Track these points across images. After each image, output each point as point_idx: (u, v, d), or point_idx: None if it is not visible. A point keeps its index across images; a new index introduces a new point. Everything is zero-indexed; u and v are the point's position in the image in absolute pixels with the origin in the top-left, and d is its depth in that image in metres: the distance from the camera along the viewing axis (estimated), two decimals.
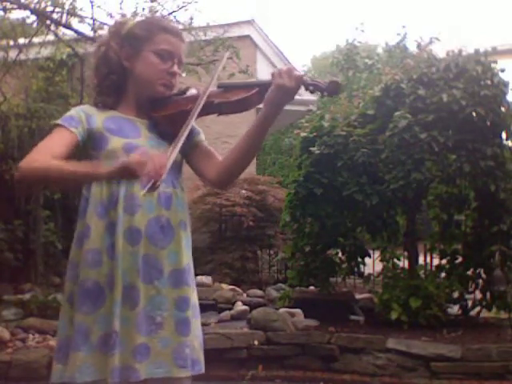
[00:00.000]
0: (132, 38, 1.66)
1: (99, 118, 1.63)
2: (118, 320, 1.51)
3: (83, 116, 1.61)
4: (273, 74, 1.54)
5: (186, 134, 1.54)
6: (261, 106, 1.60)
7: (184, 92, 1.70)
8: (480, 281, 4.89)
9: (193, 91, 1.70)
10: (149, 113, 1.67)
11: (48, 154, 1.51)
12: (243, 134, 1.62)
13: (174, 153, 1.49)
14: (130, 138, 1.62)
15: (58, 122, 1.59)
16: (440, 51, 5.26)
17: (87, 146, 1.62)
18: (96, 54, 1.70)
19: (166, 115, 1.64)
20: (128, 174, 1.41)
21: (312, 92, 1.57)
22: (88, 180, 1.55)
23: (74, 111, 1.63)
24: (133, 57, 1.65)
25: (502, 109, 4.69)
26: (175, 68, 1.66)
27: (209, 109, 1.63)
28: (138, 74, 1.66)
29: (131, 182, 1.54)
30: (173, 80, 1.67)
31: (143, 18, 1.76)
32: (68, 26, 5.93)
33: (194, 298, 1.66)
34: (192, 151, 1.71)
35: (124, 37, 1.67)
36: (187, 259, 1.65)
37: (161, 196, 1.59)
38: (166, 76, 1.65)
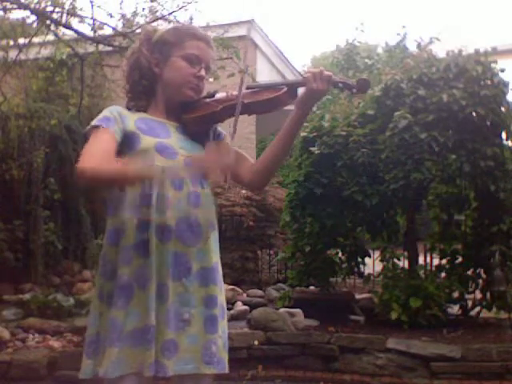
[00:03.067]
0: (162, 45, 1.71)
1: (131, 118, 1.67)
2: (154, 315, 1.54)
3: (117, 116, 1.64)
4: (306, 78, 1.60)
5: (237, 119, 1.62)
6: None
7: (213, 95, 1.74)
8: (480, 281, 4.89)
9: (222, 94, 1.74)
10: (179, 116, 1.72)
11: (105, 157, 1.53)
12: (277, 136, 1.69)
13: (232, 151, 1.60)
14: (162, 138, 1.65)
15: (96, 123, 1.61)
16: (440, 51, 5.26)
17: (122, 146, 1.64)
18: (128, 61, 1.76)
19: (196, 117, 1.69)
20: (204, 172, 1.55)
21: (342, 90, 1.63)
22: (155, 179, 1.58)
23: (107, 112, 1.65)
24: (162, 62, 1.71)
25: (502, 109, 4.69)
26: (203, 72, 1.71)
27: (240, 109, 1.66)
28: (167, 79, 1.71)
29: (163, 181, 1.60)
30: (200, 84, 1.72)
31: (174, 25, 1.83)
32: (68, 26, 5.93)
33: (222, 298, 1.68)
34: None
35: (154, 43, 1.72)
36: (216, 258, 1.69)
37: (190, 195, 1.63)
38: (193, 80, 1.70)
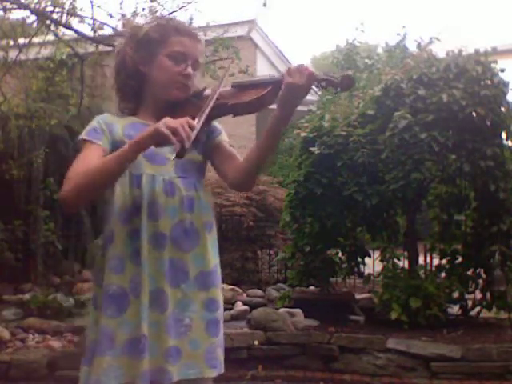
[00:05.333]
0: (147, 42, 1.65)
1: (120, 126, 1.64)
2: (147, 324, 1.52)
3: (104, 126, 1.61)
4: (284, 73, 1.52)
5: (204, 118, 1.53)
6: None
7: (201, 93, 1.68)
8: (480, 281, 4.89)
9: (209, 91, 1.68)
10: (168, 117, 1.66)
11: (82, 169, 1.50)
12: (262, 135, 1.60)
13: (198, 125, 1.48)
14: None
15: (84, 137, 1.59)
16: (440, 51, 5.26)
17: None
18: (115, 60, 1.71)
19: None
20: (161, 138, 1.39)
21: (325, 88, 1.55)
22: (128, 157, 1.47)
23: (95, 122, 1.63)
24: (148, 61, 1.65)
25: (502, 109, 4.69)
26: (189, 70, 1.64)
27: (223, 110, 1.62)
28: (154, 79, 1.65)
29: (153, 184, 1.56)
30: (188, 82, 1.65)
31: (159, 20, 1.73)
32: (68, 26, 5.93)
33: (221, 299, 1.67)
34: (214, 152, 1.71)
35: (139, 41, 1.66)
36: (215, 261, 1.66)
37: (184, 200, 1.60)
38: (180, 79, 1.64)
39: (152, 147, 1.47)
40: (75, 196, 1.49)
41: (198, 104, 1.62)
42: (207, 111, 1.55)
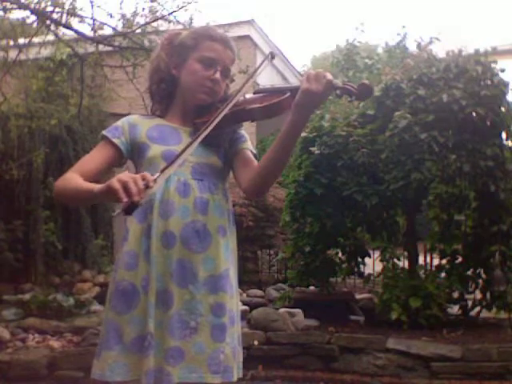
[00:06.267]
0: (180, 48, 1.71)
1: (144, 128, 1.69)
2: (153, 322, 1.53)
3: (126, 126, 1.69)
4: (301, 79, 1.51)
5: (199, 139, 1.53)
6: None
7: (227, 98, 1.69)
8: (480, 281, 4.89)
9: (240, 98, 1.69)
10: (193, 120, 1.69)
11: (78, 170, 1.61)
12: (275, 140, 1.57)
13: (179, 159, 1.47)
14: (170, 146, 1.65)
15: (104, 132, 1.68)
16: (440, 51, 5.27)
17: (133, 155, 1.69)
18: (150, 65, 1.77)
19: (206, 122, 1.63)
20: (111, 193, 1.36)
21: (340, 96, 1.54)
22: (93, 200, 1.62)
23: (120, 122, 1.71)
24: (180, 65, 1.70)
25: (502, 109, 4.69)
26: (217, 75, 1.67)
27: (241, 115, 1.64)
28: (183, 82, 1.70)
29: (166, 186, 1.59)
30: (215, 87, 1.68)
31: (196, 27, 1.76)
32: (68, 26, 5.93)
33: (231, 305, 1.64)
34: (235, 158, 1.71)
35: (174, 47, 1.72)
36: (226, 265, 1.63)
37: (197, 201, 1.60)
38: (207, 83, 1.67)
39: (171, 146, 1.62)
40: (59, 196, 1.63)
41: (220, 109, 1.63)
42: (219, 118, 1.56)
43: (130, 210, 1.34)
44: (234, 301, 1.66)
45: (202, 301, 1.58)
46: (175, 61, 1.71)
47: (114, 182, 1.35)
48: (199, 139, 1.53)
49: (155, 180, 1.38)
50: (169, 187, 1.58)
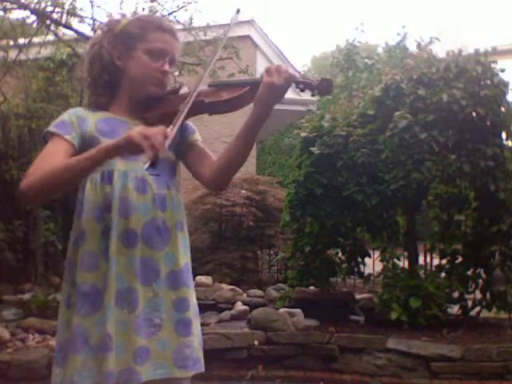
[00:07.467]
0: (125, 37, 1.62)
1: (92, 120, 1.60)
2: (112, 323, 1.49)
3: (75, 120, 1.59)
4: (263, 73, 1.50)
5: (181, 119, 1.50)
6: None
7: (177, 91, 1.67)
8: (480, 281, 4.89)
9: (186, 89, 1.66)
10: (141, 113, 1.64)
11: (47, 165, 1.47)
12: (236, 134, 1.57)
13: (173, 131, 1.45)
14: None
15: (52, 129, 1.56)
16: (440, 51, 5.27)
17: (84, 149, 1.56)
18: (89, 53, 1.67)
19: (157, 115, 1.61)
20: (134, 146, 1.35)
21: (302, 90, 1.52)
22: (96, 163, 1.46)
23: (66, 115, 1.60)
24: (125, 56, 1.63)
25: (502, 109, 4.69)
26: (166, 66, 1.62)
27: (200, 108, 1.60)
28: (130, 74, 1.63)
29: (125, 181, 1.54)
30: (164, 79, 1.64)
31: (140, 16, 1.68)
32: (68, 26, 5.93)
33: (194, 298, 1.65)
34: (187, 151, 1.69)
35: (117, 35, 1.63)
36: (185, 260, 1.63)
37: (155, 198, 1.58)
38: (157, 75, 1.62)
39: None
40: (35, 192, 1.47)
41: (175, 101, 1.61)
42: (186, 110, 1.53)
43: (156, 162, 1.35)
44: (194, 294, 1.66)
45: (164, 297, 1.57)
46: (119, 50, 1.62)
47: (135, 134, 1.34)
48: (177, 126, 1.48)
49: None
50: (126, 184, 1.54)
